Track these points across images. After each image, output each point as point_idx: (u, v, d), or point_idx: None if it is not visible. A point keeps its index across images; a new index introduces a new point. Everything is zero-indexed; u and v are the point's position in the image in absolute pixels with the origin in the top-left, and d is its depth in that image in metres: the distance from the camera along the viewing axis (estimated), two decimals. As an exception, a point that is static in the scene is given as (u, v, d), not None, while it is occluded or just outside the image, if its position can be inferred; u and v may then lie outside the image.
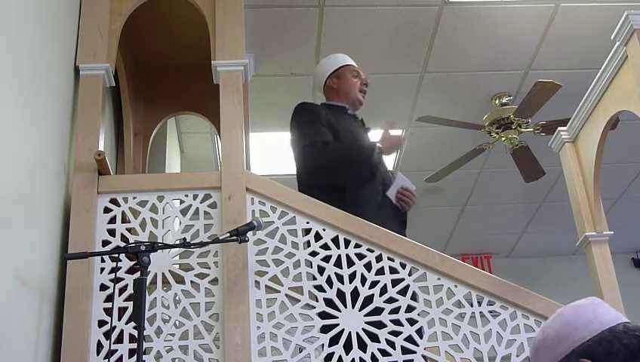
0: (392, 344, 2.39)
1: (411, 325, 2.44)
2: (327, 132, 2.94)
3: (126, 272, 2.44)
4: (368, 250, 2.56)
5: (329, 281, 2.49)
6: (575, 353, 1.14)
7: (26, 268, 2.13)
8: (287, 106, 5.04)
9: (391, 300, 2.48)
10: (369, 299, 2.46)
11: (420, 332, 2.45)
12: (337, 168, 2.87)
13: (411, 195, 2.94)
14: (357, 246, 2.56)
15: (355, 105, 3.16)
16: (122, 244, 2.44)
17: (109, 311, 2.33)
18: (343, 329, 2.42)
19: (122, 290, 2.41)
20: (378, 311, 2.45)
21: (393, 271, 2.53)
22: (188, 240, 2.28)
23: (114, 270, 2.36)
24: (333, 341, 2.40)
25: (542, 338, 1.20)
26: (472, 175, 6.08)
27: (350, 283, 2.49)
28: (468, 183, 6.24)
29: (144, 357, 2.02)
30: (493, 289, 2.53)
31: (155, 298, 2.42)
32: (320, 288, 2.48)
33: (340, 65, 3.21)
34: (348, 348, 2.38)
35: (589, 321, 1.17)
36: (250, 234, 2.34)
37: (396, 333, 2.42)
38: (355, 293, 2.48)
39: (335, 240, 2.57)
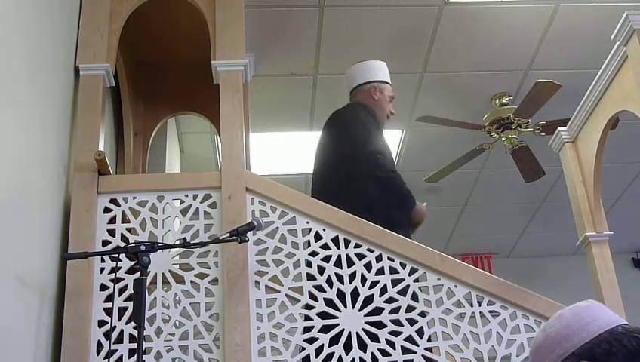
0: (392, 344, 2.39)
1: (411, 325, 2.44)
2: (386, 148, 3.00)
3: (126, 272, 2.44)
4: (368, 250, 2.56)
5: (329, 281, 2.49)
6: (575, 355, 1.14)
7: (26, 268, 2.13)
8: (287, 106, 5.11)
9: (391, 300, 2.48)
10: (369, 299, 2.46)
11: (420, 332, 2.45)
12: (389, 193, 2.89)
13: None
14: (357, 246, 2.56)
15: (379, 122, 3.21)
16: (122, 244, 2.44)
17: (109, 311, 2.33)
18: (343, 329, 2.42)
19: (122, 290, 2.41)
20: (378, 311, 2.45)
21: (393, 271, 2.53)
22: (188, 240, 2.28)
23: (114, 270, 2.36)
24: (333, 341, 2.40)
25: (542, 340, 1.20)
26: (472, 175, 6.08)
27: (350, 283, 2.49)
28: (468, 183, 6.24)
29: (144, 357, 2.02)
30: (493, 289, 2.53)
31: (155, 298, 2.42)
32: (320, 288, 2.48)
33: (388, 81, 3.28)
34: (348, 348, 2.38)
35: (588, 323, 1.17)
36: (250, 234, 2.35)
37: (396, 333, 2.42)
38: (355, 293, 2.48)
39: (335, 240, 2.57)
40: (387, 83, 3.27)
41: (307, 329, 2.43)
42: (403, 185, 2.94)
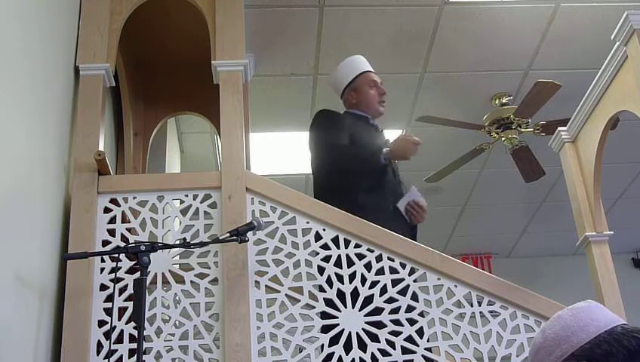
0: (392, 344, 2.39)
1: (411, 325, 2.44)
2: (348, 139, 2.98)
3: (126, 272, 2.44)
4: (368, 250, 2.56)
5: (329, 281, 2.49)
6: (574, 356, 1.14)
7: (26, 268, 2.13)
8: (287, 106, 5.11)
9: (391, 300, 2.48)
10: (369, 299, 2.46)
11: (420, 332, 2.45)
12: (351, 170, 2.90)
13: (421, 210, 2.98)
14: (357, 246, 2.56)
15: (375, 117, 3.19)
16: (122, 244, 2.44)
17: (109, 311, 2.33)
18: (343, 329, 2.42)
19: (122, 290, 2.41)
20: (378, 311, 2.45)
21: (393, 271, 2.53)
22: (188, 240, 2.28)
23: (114, 270, 2.36)
24: (334, 341, 2.40)
25: (541, 341, 1.20)
26: (472, 175, 6.08)
27: (350, 283, 2.49)
28: (468, 183, 6.24)
29: (144, 357, 2.02)
30: (493, 289, 2.53)
31: (155, 298, 2.42)
32: (320, 288, 2.48)
33: (356, 74, 3.18)
34: (348, 348, 2.38)
35: (587, 324, 1.16)
36: (250, 234, 2.35)
37: (396, 333, 2.42)
38: (355, 293, 2.48)
39: (335, 240, 2.57)
40: (359, 75, 3.18)
41: (307, 329, 2.43)
42: (357, 153, 2.94)
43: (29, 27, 2.26)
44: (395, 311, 2.46)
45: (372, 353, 2.37)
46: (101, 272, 2.44)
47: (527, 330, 2.48)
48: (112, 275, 2.35)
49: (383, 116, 3.24)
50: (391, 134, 5.44)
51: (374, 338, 2.40)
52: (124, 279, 2.42)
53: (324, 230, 2.58)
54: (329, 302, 2.46)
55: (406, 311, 2.46)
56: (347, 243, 2.56)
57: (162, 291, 2.44)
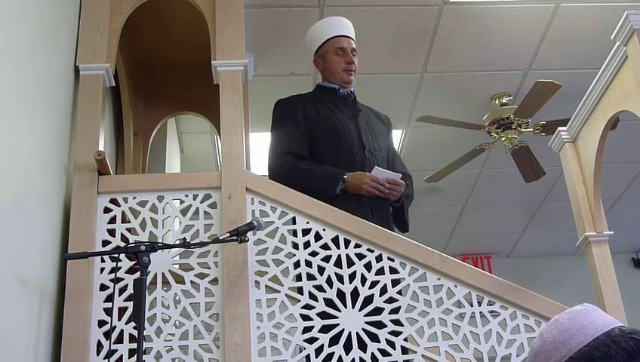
0: (392, 344, 2.39)
1: (411, 325, 2.44)
2: (300, 137, 2.86)
3: (126, 272, 2.44)
4: (368, 250, 2.56)
5: (329, 281, 2.49)
6: (573, 359, 1.14)
7: (26, 268, 2.13)
8: (287, 106, 5.10)
9: (391, 300, 2.48)
10: (369, 299, 2.46)
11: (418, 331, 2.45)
12: (300, 188, 2.69)
13: (395, 186, 2.79)
14: (357, 246, 2.56)
15: (343, 86, 2.99)
16: (122, 244, 2.44)
17: (109, 311, 2.33)
18: (343, 329, 2.42)
19: (122, 290, 2.41)
20: (378, 311, 2.45)
21: (393, 271, 2.53)
22: (188, 240, 2.28)
23: (114, 270, 2.36)
24: (333, 341, 2.40)
25: (539, 346, 1.20)
26: (472, 175, 6.08)
27: (350, 283, 2.49)
28: (468, 183, 6.24)
29: (144, 357, 2.02)
30: (493, 289, 2.53)
31: (155, 298, 2.42)
32: (320, 288, 2.48)
33: (323, 40, 3.02)
34: (348, 348, 2.38)
35: (585, 326, 1.16)
36: (250, 234, 2.34)
37: (396, 333, 2.42)
38: (355, 293, 2.48)
39: (335, 240, 2.57)
40: (326, 41, 3.01)
41: (307, 329, 2.43)
42: (306, 176, 2.77)
43: (30, 27, 2.26)
44: (395, 311, 2.46)
45: (372, 353, 2.37)
46: (101, 272, 2.44)
47: (527, 330, 2.48)
48: (112, 275, 2.35)
49: (352, 83, 3.04)
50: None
51: (374, 338, 2.40)
52: (124, 279, 2.42)
53: (324, 230, 2.58)
54: (329, 302, 2.46)
55: (406, 311, 2.46)
56: (347, 243, 2.56)
57: (162, 291, 2.44)
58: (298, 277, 2.51)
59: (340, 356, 2.36)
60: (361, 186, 2.76)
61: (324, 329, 2.42)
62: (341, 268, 2.51)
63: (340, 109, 2.97)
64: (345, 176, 2.77)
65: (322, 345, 2.39)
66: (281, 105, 3.02)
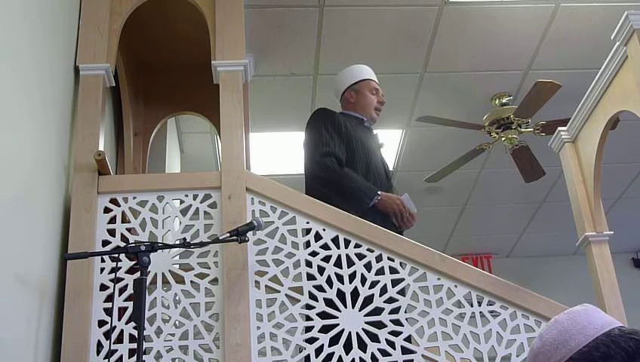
0: (392, 344, 2.39)
1: (411, 325, 2.44)
2: (343, 146, 2.99)
3: (126, 272, 2.44)
4: (368, 250, 2.56)
5: (329, 281, 2.49)
6: (572, 359, 1.14)
7: (26, 268, 2.13)
8: (287, 106, 5.11)
9: (391, 300, 2.48)
10: (369, 299, 2.46)
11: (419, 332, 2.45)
12: (337, 192, 2.88)
13: (411, 218, 2.99)
14: (357, 246, 2.56)
15: (369, 121, 3.23)
16: (122, 244, 2.44)
17: (109, 311, 2.33)
18: (343, 329, 2.42)
19: (122, 290, 2.41)
20: (378, 311, 2.45)
21: (393, 271, 2.53)
22: (188, 240, 2.28)
23: (114, 270, 2.36)
24: (333, 341, 2.40)
25: (539, 347, 1.20)
26: (472, 175, 6.08)
27: (350, 283, 2.49)
28: (468, 183, 6.24)
29: (144, 357, 2.02)
30: (493, 289, 2.53)
31: (155, 298, 2.42)
32: (320, 288, 2.48)
33: (360, 79, 3.27)
34: (348, 348, 2.38)
35: (585, 327, 1.16)
36: (250, 234, 2.35)
37: (396, 333, 2.42)
38: (355, 293, 2.48)
39: (335, 240, 2.57)
40: (362, 80, 3.26)
41: (307, 329, 2.43)
42: (349, 181, 2.92)
43: (31, 27, 2.26)
44: (395, 311, 2.46)
45: (372, 353, 2.37)
46: (101, 272, 2.44)
47: (527, 330, 2.48)
48: (112, 275, 2.35)
49: (382, 116, 3.27)
50: (391, 134, 5.47)
51: (374, 338, 2.40)
52: (124, 279, 2.42)
53: (324, 230, 2.58)
54: (329, 302, 2.46)
55: (406, 311, 2.46)
56: (347, 243, 2.56)
57: (162, 291, 2.44)
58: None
59: (340, 356, 2.36)
60: (392, 206, 2.93)
61: (324, 329, 2.42)
62: (341, 268, 2.51)
63: (367, 138, 3.14)
64: (379, 193, 2.93)
65: (322, 345, 2.39)
66: (327, 112, 3.15)
